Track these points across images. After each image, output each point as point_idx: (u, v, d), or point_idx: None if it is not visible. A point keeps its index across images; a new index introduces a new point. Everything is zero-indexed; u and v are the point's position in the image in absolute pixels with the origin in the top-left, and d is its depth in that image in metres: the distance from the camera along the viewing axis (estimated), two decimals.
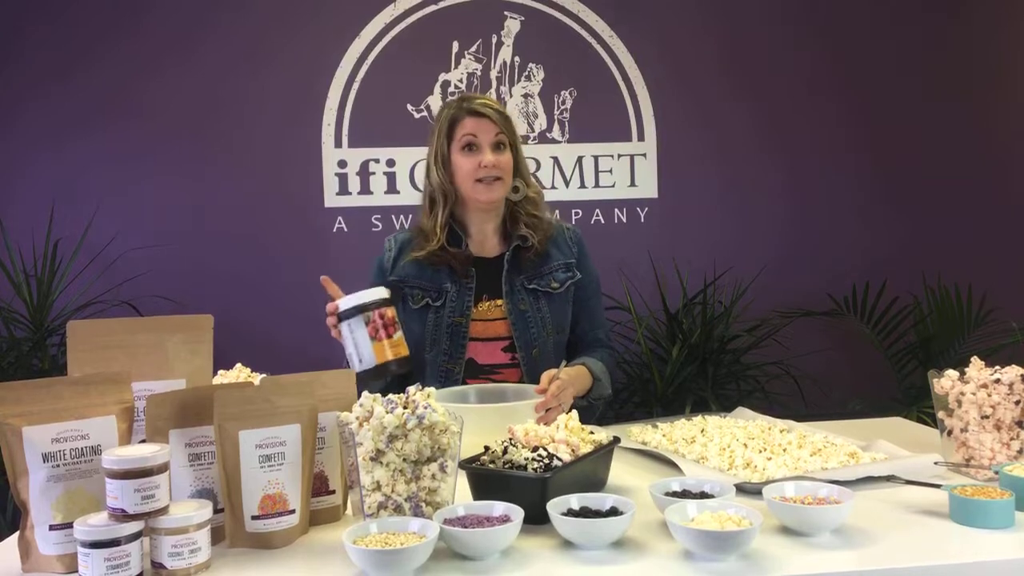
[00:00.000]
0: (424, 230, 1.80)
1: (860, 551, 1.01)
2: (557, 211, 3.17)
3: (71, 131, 3.03)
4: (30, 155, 3.02)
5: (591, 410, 1.76)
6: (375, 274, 1.84)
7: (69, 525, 0.99)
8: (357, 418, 1.10)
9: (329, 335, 1.55)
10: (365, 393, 1.14)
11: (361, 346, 1.43)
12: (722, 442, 1.42)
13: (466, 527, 1.01)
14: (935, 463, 1.30)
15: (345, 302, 1.46)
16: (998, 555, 1.00)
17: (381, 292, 1.47)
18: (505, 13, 3.21)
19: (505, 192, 1.78)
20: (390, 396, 1.13)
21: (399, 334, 1.46)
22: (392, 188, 3.18)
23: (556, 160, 3.23)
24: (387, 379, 1.55)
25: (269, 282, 3.04)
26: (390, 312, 1.45)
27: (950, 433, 1.36)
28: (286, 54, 3.11)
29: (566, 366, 1.63)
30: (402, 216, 3.16)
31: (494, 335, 1.77)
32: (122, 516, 0.95)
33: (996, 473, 1.19)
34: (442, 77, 3.20)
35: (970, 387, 1.32)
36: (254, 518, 1.08)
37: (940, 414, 1.37)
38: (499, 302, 1.78)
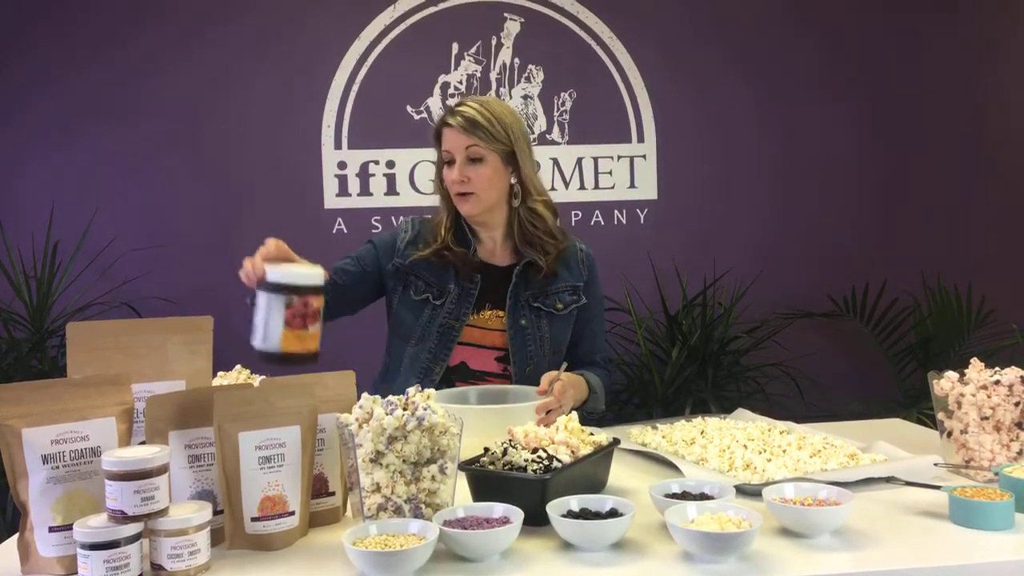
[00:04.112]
0: (434, 228, 1.80)
1: (860, 552, 1.01)
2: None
3: (70, 132, 3.03)
4: (29, 156, 3.02)
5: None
6: (384, 244, 1.81)
7: (69, 527, 0.99)
8: (357, 419, 1.10)
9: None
10: (365, 394, 1.14)
11: (271, 326, 1.28)
12: (722, 443, 1.42)
13: (466, 529, 1.01)
14: (935, 464, 1.30)
15: (274, 273, 1.31)
16: (998, 556, 1.00)
17: (316, 278, 1.33)
18: (505, 15, 3.21)
19: (482, 208, 1.73)
20: (390, 397, 1.13)
21: (316, 327, 1.32)
22: (392, 190, 3.18)
23: (556, 162, 3.23)
24: (282, 367, 1.40)
25: None
26: (316, 303, 1.31)
27: (950, 434, 1.36)
28: (286, 55, 3.11)
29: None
30: (401, 217, 3.15)
31: (490, 344, 1.76)
32: (122, 518, 0.95)
33: (996, 474, 1.19)
34: (442, 79, 3.20)
35: (970, 388, 1.32)
36: (254, 520, 1.08)
37: (940, 415, 1.37)
38: (501, 313, 1.76)
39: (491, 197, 1.73)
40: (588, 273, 1.85)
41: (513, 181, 1.75)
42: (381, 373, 1.84)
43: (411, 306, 1.77)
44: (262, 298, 1.30)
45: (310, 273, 1.32)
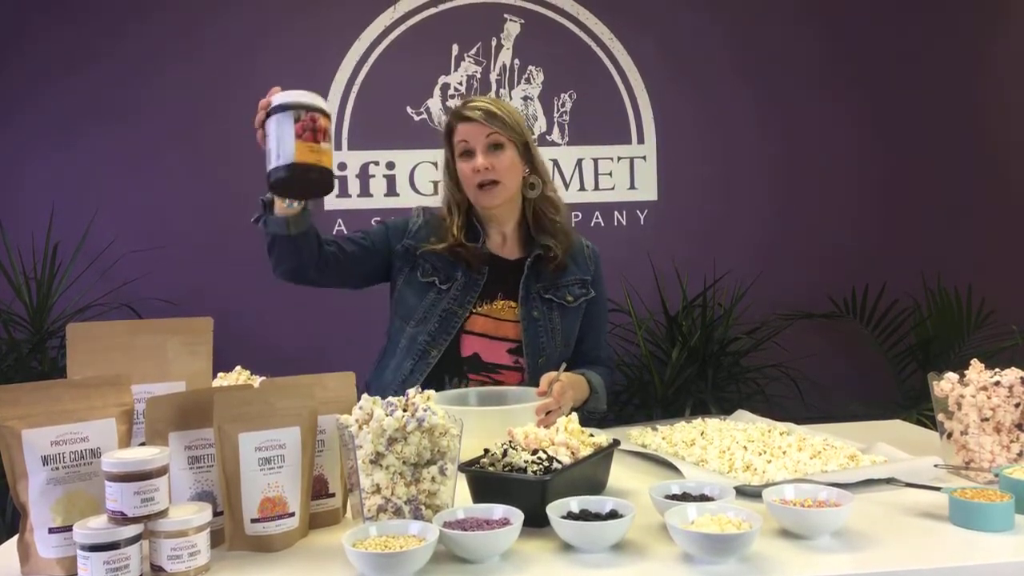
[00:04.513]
0: (445, 226, 1.81)
1: (860, 554, 1.01)
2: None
3: (70, 133, 3.03)
4: (29, 157, 3.02)
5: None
6: (396, 226, 1.84)
7: (69, 528, 0.99)
8: (357, 421, 1.10)
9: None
10: (365, 396, 1.14)
11: (283, 141, 1.30)
12: (722, 445, 1.42)
13: (466, 530, 1.01)
14: (935, 465, 1.30)
15: (279, 96, 1.34)
16: (998, 558, 1.00)
17: (320, 99, 1.36)
18: (505, 16, 3.21)
19: (506, 197, 1.76)
20: (390, 399, 1.13)
21: (328, 146, 1.34)
22: (392, 190, 3.18)
23: (556, 163, 3.23)
24: (303, 196, 1.46)
25: (268, 284, 3.02)
26: (325, 122, 1.33)
27: (950, 436, 1.35)
28: (286, 56, 3.11)
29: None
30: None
31: (503, 336, 1.77)
32: (121, 519, 0.95)
33: (996, 476, 1.19)
34: (442, 80, 3.20)
35: (970, 389, 1.32)
36: (254, 521, 1.08)
37: (940, 417, 1.37)
38: (513, 304, 1.78)
39: (512, 186, 1.76)
40: (594, 268, 1.89)
41: (527, 172, 1.79)
42: (379, 354, 1.86)
43: (416, 287, 1.78)
44: (272, 123, 1.32)
45: (314, 95, 1.35)
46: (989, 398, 1.30)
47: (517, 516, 1.04)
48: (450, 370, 1.74)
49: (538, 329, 1.77)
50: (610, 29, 3.24)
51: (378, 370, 1.81)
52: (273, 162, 1.31)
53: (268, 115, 1.34)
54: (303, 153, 1.29)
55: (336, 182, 1.36)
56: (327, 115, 1.35)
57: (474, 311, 1.76)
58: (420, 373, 1.72)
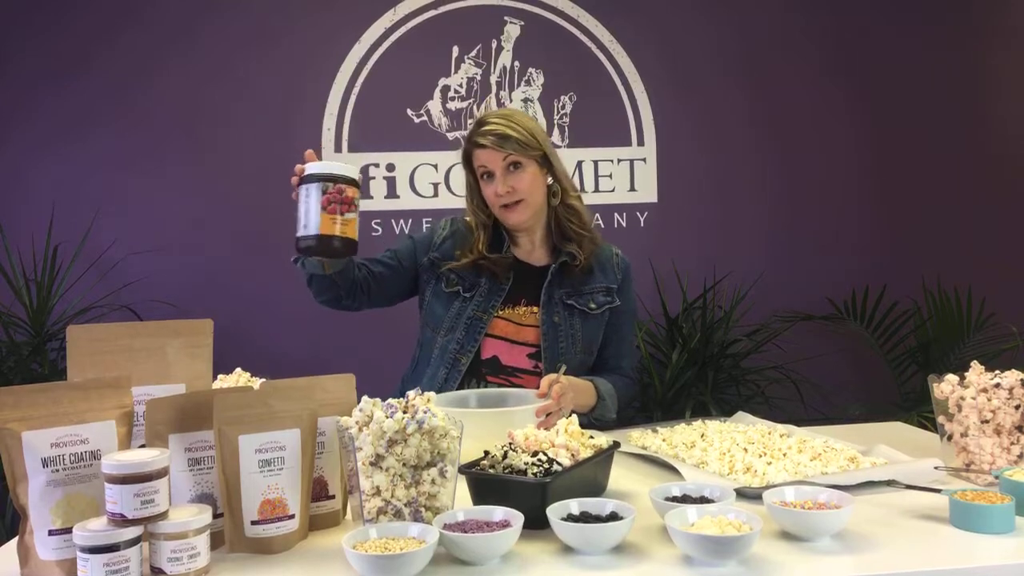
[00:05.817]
0: (470, 241, 1.83)
1: (860, 556, 1.01)
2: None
3: (71, 136, 3.03)
4: (30, 160, 3.02)
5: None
6: (422, 240, 1.87)
7: (68, 530, 0.99)
8: (357, 423, 1.10)
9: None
10: (365, 397, 1.14)
11: (310, 212, 1.40)
12: (722, 447, 1.42)
13: (466, 532, 1.01)
14: (935, 468, 1.30)
15: (312, 166, 1.43)
16: (998, 560, 1.00)
17: (352, 171, 1.44)
18: (505, 18, 3.22)
19: (530, 212, 1.78)
20: (390, 401, 1.13)
21: (352, 216, 1.43)
22: (392, 193, 3.18)
23: None
24: (328, 258, 1.55)
25: (269, 287, 3.03)
26: (351, 192, 1.42)
27: (950, 438, 1.35)
28: (286, 59, 3.11)
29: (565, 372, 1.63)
30: (402, 221, 3.16)
31: (523, 340, 1.78)
32: (121, 521, 0.95)
33: (996, 478, 1.19)
34: (442, 82, 3.20)
35: (970, 391, 1.32)
36: (253, 523, 1.08)
37: (940, 419, 1.37)
38: (535, 309, 1.79)
39: (537, 200, 1.78)
40: (622, 277, 1.90)
41: (550, 181, 1.81)
42: (411, 365, 1.89)
43: (442, 297, 1.80)
44: (303, 191, 1.43)
45: (344, 166, 1.43)
46: (989, 400, 1.30)
47: (517, 518, 1.04)
48: (470, 371, 1.76)
49: (558, 335, 1.78)
50: (610, 31, 3.24)
51: (413, 379, 1.83)
52: (300, 230, 1.42)
53: (301, 182, 1.44)
54: (327, 225, 1.40)
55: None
56: (355, 184, 1.44)
57: (497, 315, 1.78)
58: (453, 381, 1.75)
